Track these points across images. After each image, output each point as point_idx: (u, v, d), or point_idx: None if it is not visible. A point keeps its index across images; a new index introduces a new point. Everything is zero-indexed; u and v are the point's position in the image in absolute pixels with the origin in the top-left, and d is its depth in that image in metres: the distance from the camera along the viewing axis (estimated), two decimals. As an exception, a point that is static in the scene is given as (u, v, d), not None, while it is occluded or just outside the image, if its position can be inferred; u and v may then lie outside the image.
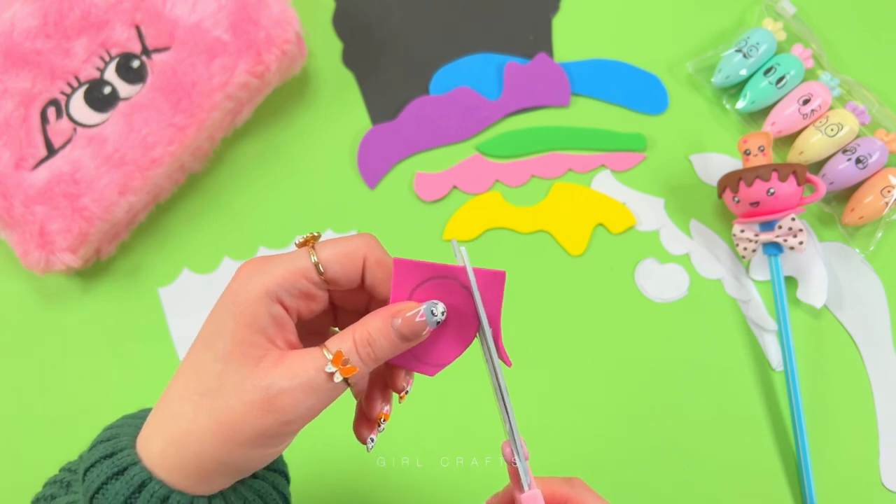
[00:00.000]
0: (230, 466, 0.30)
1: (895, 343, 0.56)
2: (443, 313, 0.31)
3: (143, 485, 0.30)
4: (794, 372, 0.53)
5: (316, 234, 0.32)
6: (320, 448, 0.54)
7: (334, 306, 0.34)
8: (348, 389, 0.31)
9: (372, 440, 0.34)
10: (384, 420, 0.34)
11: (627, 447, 0.55)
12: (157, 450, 0.30)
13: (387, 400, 0.34)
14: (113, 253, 0.57)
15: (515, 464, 0.33)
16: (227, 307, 0.30)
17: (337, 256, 0.31)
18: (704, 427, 0.55)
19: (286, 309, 0.31)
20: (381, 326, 0.30)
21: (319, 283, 0.31)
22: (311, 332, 0.35)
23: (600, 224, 0.58)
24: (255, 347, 0.29)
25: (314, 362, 0.29)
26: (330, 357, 0.29)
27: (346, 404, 0.55)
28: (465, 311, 0.32)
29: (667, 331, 0.56)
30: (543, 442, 0.54)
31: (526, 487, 0.33)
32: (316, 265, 0.31)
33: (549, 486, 0.35)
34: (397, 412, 0.55)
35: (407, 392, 0.34)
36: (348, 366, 0.29)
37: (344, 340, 0.30)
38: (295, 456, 0.54)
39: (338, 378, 0.29)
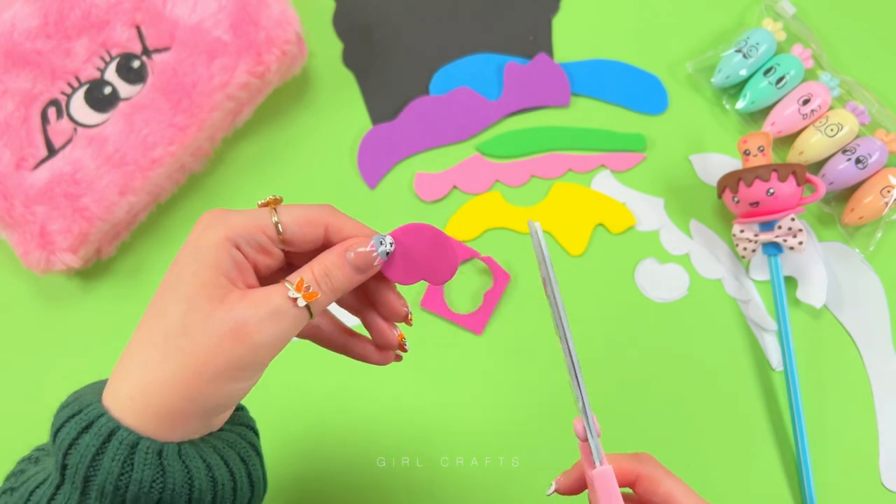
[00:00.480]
0: (200, 406, 0.30)
1: (895, 343, 0.56)
2: (391, 244, 0.33)
3: (111, 434, 0.30)
4: (793, 372, 0.53)
5: (278, 196, 0.33)
6: (320, 448, 0.54)
7: (291, 266, 0.35)
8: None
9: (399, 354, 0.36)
10: (404, 340, 0.36)
11: (627, 447, 0.55)
12: (124, 397, 0.31)
13: (392, 326, 0.36)
14: (113, 253, 0.57)
15: (587, 440, 0.34)
16: (189, 252, 0.31)
17: (297, 220, 0.33)
18: (704, 427, 0.55)
19: (245, 256, 0.32)
20: (335, 260, 0.32)
21: (276, 241, 0.33)
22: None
23: (600, 224, 0.58)
24: (218, 288, 0.30)
25: (278, 292, 0.31)
26: (292, 287, 0.31)
27: (347, 404, 0.55)
28: (417, 255, 0.34)
29: (667, 330, 0.56)
30: (543, 440, 0.54)
31: (598, 463, 0.33)
32: (276, 224, 0.32)
33: (617, 463, 0.35)
34: (397, 413, 0.55)
35: (410, 314, 0.36)
36: (310, 291, 0.31)
37: (303, 273, 0.32)
38: (295, 456, 0.54)
39: (301, 303, 0.31)
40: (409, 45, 0.61)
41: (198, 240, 0.31)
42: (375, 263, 0.33)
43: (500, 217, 0.58)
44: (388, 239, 0.34)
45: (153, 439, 0.30)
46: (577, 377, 0.33)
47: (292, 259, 0.35)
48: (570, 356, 0.33)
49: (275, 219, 0.32)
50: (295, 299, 0.31)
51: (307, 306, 0.31)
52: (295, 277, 0.31)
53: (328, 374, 0.55)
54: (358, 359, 0.37)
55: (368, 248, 0.33)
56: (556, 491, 0.37)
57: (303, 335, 0.36)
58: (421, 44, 0.61)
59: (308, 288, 0.31)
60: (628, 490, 0.35)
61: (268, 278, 0.34)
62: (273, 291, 0.31)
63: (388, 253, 0.33)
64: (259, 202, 0.33)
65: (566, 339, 0.33)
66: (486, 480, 0.54)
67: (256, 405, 0.57)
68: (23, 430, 0.55)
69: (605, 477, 0.33)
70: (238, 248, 0.31)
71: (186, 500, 0.31)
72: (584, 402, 0.34)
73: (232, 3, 0.53)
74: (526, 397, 0.55)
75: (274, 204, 0.33)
